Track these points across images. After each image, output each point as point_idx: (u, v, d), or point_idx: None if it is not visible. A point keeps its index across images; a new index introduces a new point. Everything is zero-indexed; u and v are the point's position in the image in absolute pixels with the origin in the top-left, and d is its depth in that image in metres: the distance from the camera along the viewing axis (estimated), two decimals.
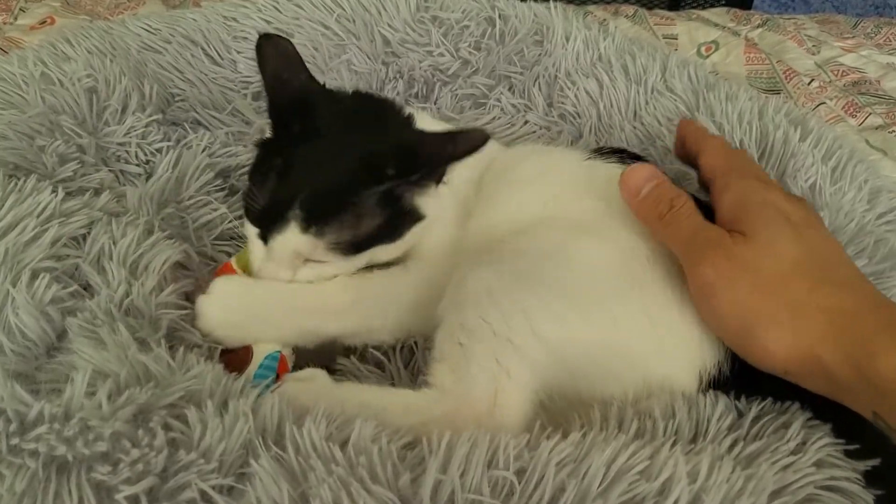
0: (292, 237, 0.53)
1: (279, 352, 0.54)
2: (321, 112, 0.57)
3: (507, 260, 0.53)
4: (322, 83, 0.63)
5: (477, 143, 0.54)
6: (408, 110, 0.64)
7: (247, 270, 0.59)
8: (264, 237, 0.55)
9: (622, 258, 0.53)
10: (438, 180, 0.59)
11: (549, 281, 0.51)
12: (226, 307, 0.54)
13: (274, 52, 0.59)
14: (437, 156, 0.55)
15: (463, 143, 0.54)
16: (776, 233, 0.47)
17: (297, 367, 0.57)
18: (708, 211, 0.52)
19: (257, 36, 0.84)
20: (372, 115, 0.60)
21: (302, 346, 0.56)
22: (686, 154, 0.60)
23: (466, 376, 0.47)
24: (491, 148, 0.73)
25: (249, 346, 0.54)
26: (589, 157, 0.63)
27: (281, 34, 0.85)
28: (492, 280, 0.50)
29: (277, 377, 0.53)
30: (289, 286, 0.56)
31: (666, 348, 0.49)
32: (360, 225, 0.54)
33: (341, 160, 0.54)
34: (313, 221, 0.52)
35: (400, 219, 0.57)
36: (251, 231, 0.57)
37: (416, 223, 0.58)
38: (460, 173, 0.67)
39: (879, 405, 0.41)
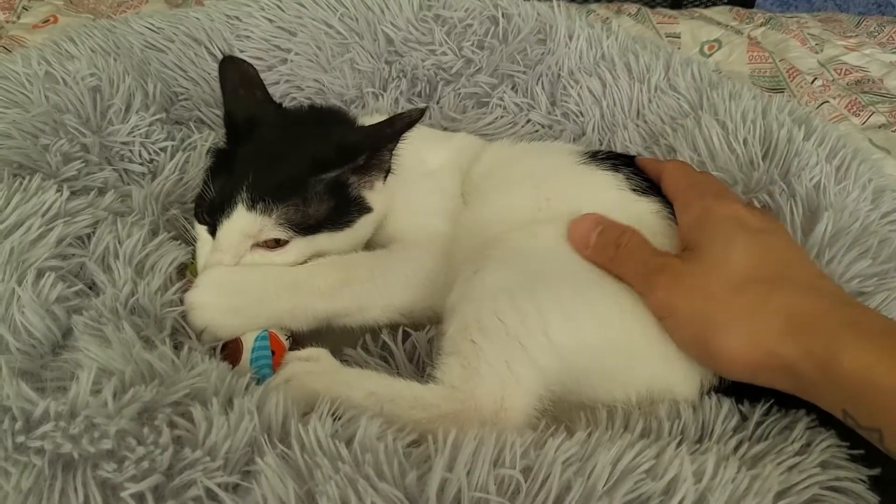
0: (239, 218, 0.55)
1: (266, 330, 0.54)
2: (272, 122, 0.62)
3: (519, 260, 0.54)
4: (280, 102, 0.68)
5: (413, 119, 0.57)
6: (357, 115, 0.69)
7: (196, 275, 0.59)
8: (213, 231, 0.57)
9: None
10: (386, 173, 0.62)
11: (562, 285, 0.51)
12: (218, 293, 0.55)
13: (235, 71, 0.64)
14: (377, 138, 0.59)
15: (399, 121, 0.58)
16: (730, 243, 0.48)
17: None
18: None
19: (260, 35, 0.85)
20: (319, 120, 0.65)
21: (298, 330, 0.57)
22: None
23: (476, 375, 0.47)
24: (474, 142, 0.74)
25: (238, 339, 0.54)
26: (583, 162, 0.64)
27: (284, 32, 0.86)
28: (508, 279, 0.51)
29: (274, 354, 0.53)
30: (276, 267, 0.57)
31: (670, 356, 0.50)
32: (307, 206, 0.57)
33: (288, 153, 0.59)
34: (259, 198, 0.55)
35: (347, 207, 0.60)
36: (201, 231, 0.59)
37: (364, 214, 0.61)
38: (443, 165, 0.70)
39: (846, 403, 0.41)
